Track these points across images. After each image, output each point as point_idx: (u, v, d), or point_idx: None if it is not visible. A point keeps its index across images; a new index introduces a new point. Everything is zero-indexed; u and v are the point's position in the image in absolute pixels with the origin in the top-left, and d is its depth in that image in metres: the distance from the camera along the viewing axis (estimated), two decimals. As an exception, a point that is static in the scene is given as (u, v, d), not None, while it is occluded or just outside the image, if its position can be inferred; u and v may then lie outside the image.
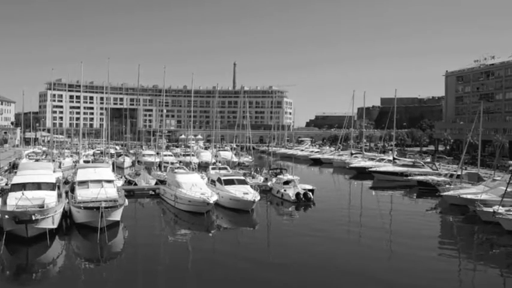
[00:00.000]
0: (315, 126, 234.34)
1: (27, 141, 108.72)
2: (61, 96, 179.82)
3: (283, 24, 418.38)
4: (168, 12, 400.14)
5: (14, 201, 26.48)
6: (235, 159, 73.55)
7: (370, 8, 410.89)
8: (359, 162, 74.38)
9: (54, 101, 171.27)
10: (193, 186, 36.64)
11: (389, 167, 63.10)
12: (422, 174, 54.29)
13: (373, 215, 37.90)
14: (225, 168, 51.37)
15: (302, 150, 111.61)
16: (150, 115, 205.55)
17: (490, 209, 31.21)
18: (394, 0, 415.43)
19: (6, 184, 38.10)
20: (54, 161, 56.57)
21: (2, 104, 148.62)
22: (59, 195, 30.88)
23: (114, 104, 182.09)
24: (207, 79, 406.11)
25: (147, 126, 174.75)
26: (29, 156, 66.70)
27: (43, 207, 26.47)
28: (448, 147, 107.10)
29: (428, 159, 78.29)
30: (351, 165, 71.48)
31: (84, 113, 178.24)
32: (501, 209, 30.50)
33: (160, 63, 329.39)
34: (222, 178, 40.32)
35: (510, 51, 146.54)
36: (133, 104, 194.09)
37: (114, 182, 34.58)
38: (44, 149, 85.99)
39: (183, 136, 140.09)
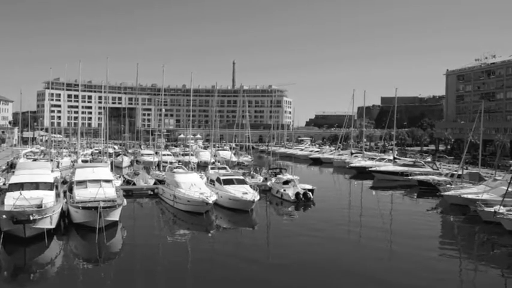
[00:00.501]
0: (314, 125, 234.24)
1: (25, 141, 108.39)
2: (59, 95, 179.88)
3: (283, 23, 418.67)
4: (167, 11, 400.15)
5: (12, 201, 26.30)
6: (234, 158, 73.51)
7: (370, 6, 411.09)
8: (359, 161, 74.15)
9: (52, 100, 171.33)
10: (192, 186, 36.45)
11: (390, 167, 62.88)
12: (422, 173, 54.04)
13: (373, 215, 37.73)
14: (224, 168, 51.25)
15: (302, 149, 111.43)
16: (148, 114, 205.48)
17: (491, 209, 31.04)
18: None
19: (4, 184, 37.89)
20: (52, 160, 56.29)
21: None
22: (57, 195, 30.68)
23: (113, 103, 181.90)
24: (206, 78, 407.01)
25: (145, 126, 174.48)
26: (27, 155, 66.52)
27: (41, 207, 26.29)
28: (448, 147, 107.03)
29: (429, 159, 78.07)
30: (351, 165, 71.24)
31: (83, 112, 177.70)
32: (502, 209, 30.29)
33: (159, 62, 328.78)
34: (221, 178, 40.14)
35: (511, 50, 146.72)
36: (131, 103, 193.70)
37: (113, 182, 34.47)
38: (42, 148, 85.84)
39: (182, 135, 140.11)
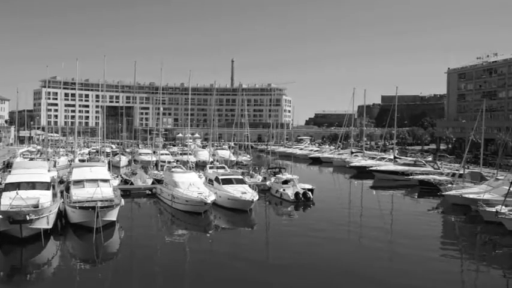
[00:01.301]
0: (314, 124, 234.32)
1: (21, 140, 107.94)
2: (56, 94, 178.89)
3: (282, 21, 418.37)
4: (166, 9, 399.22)
5: (8, 201, 26.06)
6: (233, 158, 73.25)
7: (370, 3, 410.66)
8: (359, 161, 73.82)
9: (49, 98, 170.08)
10: (191, 186, 36.21)
11: (390, 166, 62.59)
12: (423, 173, 53.78)
13: (374, 215, 37.50)
14: (223, 167, 50.95)
15: (301, 149, 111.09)
16: (146, 113, 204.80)
17: (493, 209, 30.86)
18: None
19: (0, 183, 37.58)
20: (49, 160, 55.91)
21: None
22: (54, 195, 30.42)
23: (110, 101, 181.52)
24: (204, 76, 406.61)
25: (143, 125, 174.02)
26: (24, 155, 66.06)
27: (38, 207, 26.05)
28: (450, 146, 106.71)
29: (430, 158, 77.75)
30: (351, 164, 70.92)
31: (80, 111, 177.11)
32: (504, 209, 30.16)
33: (157, 60, 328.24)
34: (220, 177, 39.87)
35: None
36: (129, 102, 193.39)
37: (110, 182, 34.10)
38: (39, 147, 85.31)
39: (180, 135, 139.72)
